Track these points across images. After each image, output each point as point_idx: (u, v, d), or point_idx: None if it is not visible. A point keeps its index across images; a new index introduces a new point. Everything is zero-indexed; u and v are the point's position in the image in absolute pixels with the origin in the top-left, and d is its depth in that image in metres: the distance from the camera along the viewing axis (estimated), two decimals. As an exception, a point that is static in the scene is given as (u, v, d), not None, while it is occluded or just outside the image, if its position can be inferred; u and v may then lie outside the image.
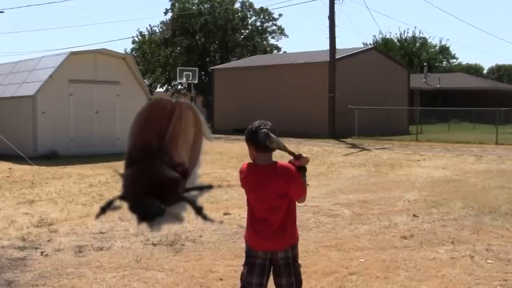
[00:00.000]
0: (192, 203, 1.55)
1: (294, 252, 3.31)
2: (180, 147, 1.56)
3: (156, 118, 1.59)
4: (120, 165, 1.54)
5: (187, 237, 6.25)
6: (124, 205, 1.50)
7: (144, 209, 1.45)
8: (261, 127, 3.17)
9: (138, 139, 1.56)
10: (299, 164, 3.28)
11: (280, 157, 3.30)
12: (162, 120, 1.57)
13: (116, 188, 9.96)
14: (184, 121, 1.61)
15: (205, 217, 1.58)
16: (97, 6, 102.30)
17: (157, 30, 50.13)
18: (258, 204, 3.26)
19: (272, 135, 3.14)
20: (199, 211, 1.56)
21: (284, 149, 3.26)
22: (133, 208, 1.46)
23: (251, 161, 3.32)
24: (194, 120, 1.66)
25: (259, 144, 3.15)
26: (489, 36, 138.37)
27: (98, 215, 1.58)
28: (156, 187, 1.46)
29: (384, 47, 51.24)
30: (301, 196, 3.29)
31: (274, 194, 3.19)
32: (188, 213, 1.62)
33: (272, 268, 3.30)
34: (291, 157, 3.30)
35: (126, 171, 1.53)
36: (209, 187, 1.63)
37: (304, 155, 3.32)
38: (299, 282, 3.31)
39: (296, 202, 3.35)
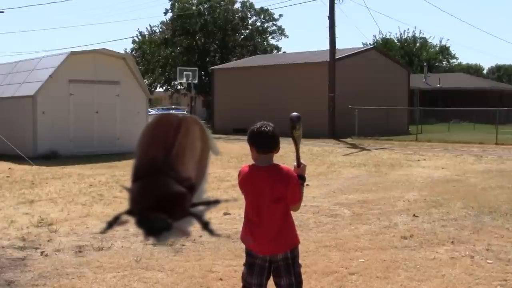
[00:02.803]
0: (199, 218, 1.55)
1: (294, 254, 3.27)
2: (187, 161, 1.56)
3: (162, 133, 1.59)
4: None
5: (187, 237, 6.25)
6: (131, 219, 1.50)
7: (151, 224, 1.45)
8: (262, 128, 3.16)
9: (144, 153, 1.56)
10: (299, 173, 3.27)
11: (281, 159, 3.30)
12: (168, 134, 1.57)
13: (116, 188, 9.97)
14: (191, 136, 1.61)
15: (211, 232, 1.58)
16: (97, 6, 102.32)
17: (157, 30, 50.19)
18: (255, 207, 3.22)
19: (301, 124, 3.24)
20: (205, 226, 1.56)
21: (297, 148, 3.28)
22: (140, 223, 1.46)
23: (251, 163, 3.30)
24: (201, 135, 1.65)
25: (265, 140, 3.16)
26: (489, 36, 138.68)
27: (104, 230, 1.58)
28: (162, 202, 1.45)
29: (384, 47, 51.26)
30: (296, 203, 3.25)
31: (271, 197, 3.15)
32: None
33: (272, 268, 3.28)
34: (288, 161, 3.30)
35: (132, 186, 1.53)
36: (216, 202, 1.63)
37: (303, 163, 3.32)
38: (299, 283, 3.28)
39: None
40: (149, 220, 1.44)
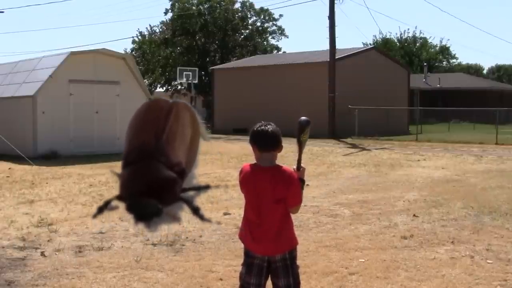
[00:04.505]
0: (189, 203, 1.55)
1: (292, 254, 3.28)
2: (177, 147, 1.56)
3: (153, 118, 1.59)
4: (120, 165, 1.53)
5: (187, 237, 6.25)
6: (122, 205, 1.49)
7: (141, 209, 1.44)
8: (262, 127, 3.17)
9: (135, 139, 1.56)
10: (299, 176, 3.28)
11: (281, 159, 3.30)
12: (159, 120, 1.57)
13: (116, 188, 9.96)
14: (181, 122, 1.61)
15: (202, 217, 1.57)
16: (97, 6, 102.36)
17: (157, 30, 50.18)
18: (255, 207, 3.21)
19: (309, 129, 3.31)
20: (196, 211, 1.56)
21: (301, 152, 3.31)
22: (130, 208, 1.46)
23: (252, 162, 3.29)
24: (191, 121, 1.66)
25: (267, 139, 3.15)
26: (489, 36, 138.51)
27: (95, 215, 1.58)
28: (153, 187, 1.45)
29: (384, 47, 51.27)
30: (296, 205, 3.25)
31: (272, 198, 3.15)
32: (187, 213, 1.62)
33: (270, 269, 3.28)
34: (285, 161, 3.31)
35: (123, 171, 1.53)
36: (207, 187, 1.63)
37: (303, 166, 3.32)
38: (297, 284, 3.28)
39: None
40: (140, 206, 1.44)
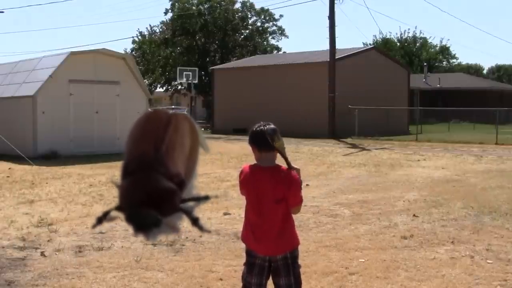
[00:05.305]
0: (188, 213, 1.56)
1: (294, 254, 3.28)
2: (177, 157, 1.57)
3: (152, 129, 1.59)
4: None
5: (187, 237, 6.25)
6: (121, 215, 1.50)
7: (141, 220, 1.45)
8: (261, 127, 3.17)
9: (134, 150, 1.57)
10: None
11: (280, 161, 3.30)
12: (158, 131, 1.58)
13: (115, 188, 9.94)
14: (180, 132, 1.62)
15: (201, 228, 1.58)
16: (97, 6, 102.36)
17: (157, 30, 50.19)
18: (256, 207, 3.22)
19: (279, 135, 3.19)
20: (195, 222, 1.56)
21: (284, 154, 3.25)
22: (129, 219, 1.46)
23: (252, 163, 3.30)
24: (190, 131, 1.66)
25: (265, 139, 3.12)
26: (489, 36, 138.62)
27: (94, 226, 1.59)
28: (152, 198, 1.46)
29: (384, 47, 51.26)
30: (297, 204, 3.25)
31: (272, 198, 3.15)
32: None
33: (271, 268, 3.29)
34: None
35: (122, 182, 1.53)
36: (206, 198, 1.63)
37: (297, 167, 3.29)
38: (298, 283, 3.28)
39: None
40: (139, 216, 1.45)
